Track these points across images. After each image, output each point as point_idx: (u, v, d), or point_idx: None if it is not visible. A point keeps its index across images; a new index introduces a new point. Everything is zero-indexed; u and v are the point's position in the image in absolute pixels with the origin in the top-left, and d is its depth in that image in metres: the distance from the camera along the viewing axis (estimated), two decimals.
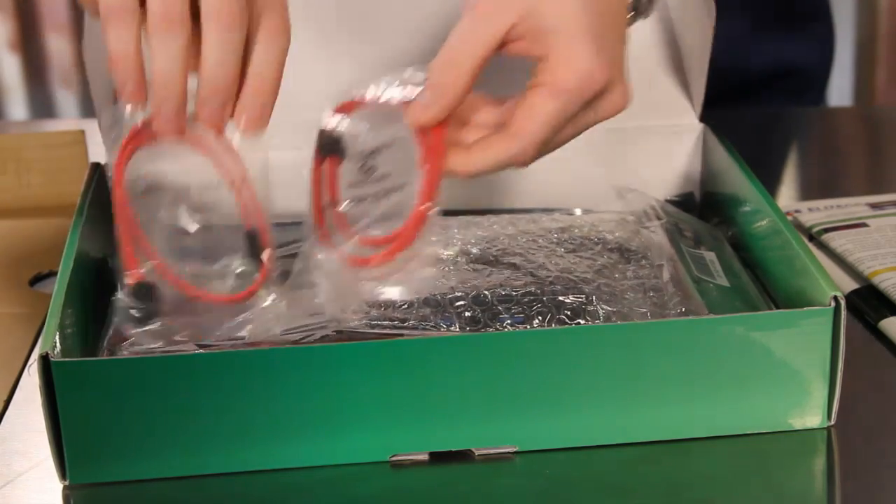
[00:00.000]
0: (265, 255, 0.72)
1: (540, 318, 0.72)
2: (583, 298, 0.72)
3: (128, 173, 0.71)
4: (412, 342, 0.68)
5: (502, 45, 0.70)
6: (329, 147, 0.73)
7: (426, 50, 0.88)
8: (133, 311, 0.71)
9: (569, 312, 0.72)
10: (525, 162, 0.70)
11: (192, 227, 0.71)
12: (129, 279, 0.71)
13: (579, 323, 0.72)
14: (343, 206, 0.73)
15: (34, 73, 2.31)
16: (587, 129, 0.71)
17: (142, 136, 0.70)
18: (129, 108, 0.69)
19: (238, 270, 0.72)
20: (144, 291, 0.71)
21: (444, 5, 0.87)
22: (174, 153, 0.70)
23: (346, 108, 0.72)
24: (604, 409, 0.69)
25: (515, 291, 0.73)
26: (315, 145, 0.73)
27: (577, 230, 0.79)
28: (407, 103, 0.70)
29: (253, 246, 0.72)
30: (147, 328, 0.70)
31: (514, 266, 0.75)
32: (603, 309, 0.72)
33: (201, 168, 0.71)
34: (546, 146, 0.70)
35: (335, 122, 0.72)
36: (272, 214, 0.89)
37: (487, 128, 0.72)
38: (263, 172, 0.72)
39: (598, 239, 0.78)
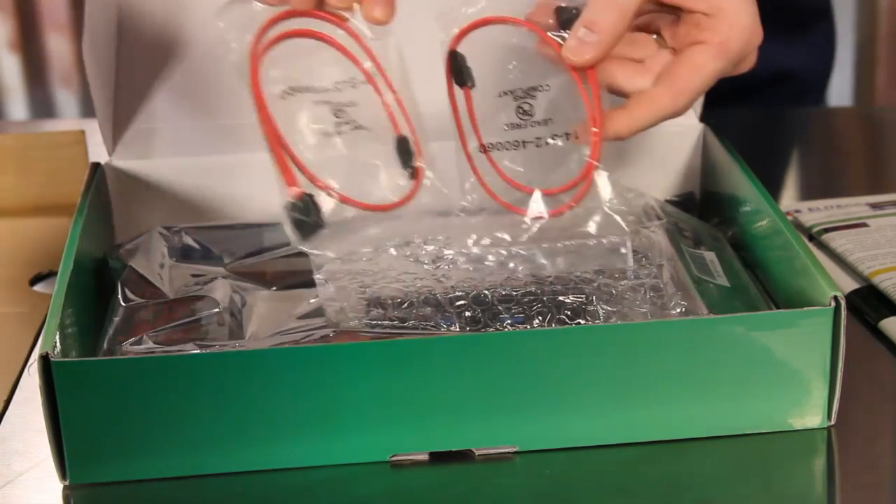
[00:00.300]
0: (418, 160, 0.69)
1: (540, 318, 0.72)
2: (583, 298, 0.72)
3: (262, 77, 0.68)
4: (412, 342, 0.68)
5: None
6: (461, 76, 0.71)
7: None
8: (300, 223, 0.69)
9: (569, 312, 0.72)
10: (679, 115, 0.71)
11: (338, 130, 0.69)
12: (290, 194, 0.69)
13: (579, 323, 0.72)
14: (496, 145, 0.72)
15: (34, 73, 2.31)
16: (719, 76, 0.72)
17: (271, 35, 0.67)
18: (258, 5, 0.67)
19: (389, 176, 0.70)
20: (306, 204, 0.69)
21: None
22: (308, 52, 0.67)
23: (473, 27, 0.70)
24: (604, 409, 0.69)
25: (515, 291, 0.73)
26: (446, 66, 0.71)
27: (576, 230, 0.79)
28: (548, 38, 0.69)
29: (404, 151, 0.70)
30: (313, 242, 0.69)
31: (514, 266, 0.75)
32: (603, 309, 0.72)
33: (338, 66, 0.68)
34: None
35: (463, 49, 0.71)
36: (272, 215, 0.89)
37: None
38: (400, 65, 0.70)
39: (599, 239, 0.78)
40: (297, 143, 0.69)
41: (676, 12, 0.72)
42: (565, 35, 0.70)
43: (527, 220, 0.73)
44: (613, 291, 0.74)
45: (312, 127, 0.69)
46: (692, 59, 0.70)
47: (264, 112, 0.68)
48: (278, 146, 0.68)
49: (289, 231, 0.70)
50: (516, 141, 0.73)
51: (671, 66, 0.71)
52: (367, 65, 0.68)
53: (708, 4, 0.70)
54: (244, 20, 0.68)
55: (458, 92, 0.73)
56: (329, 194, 0.69)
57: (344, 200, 0.70)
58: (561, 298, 0.72)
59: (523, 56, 0.71)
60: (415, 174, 0.70)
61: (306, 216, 0.69)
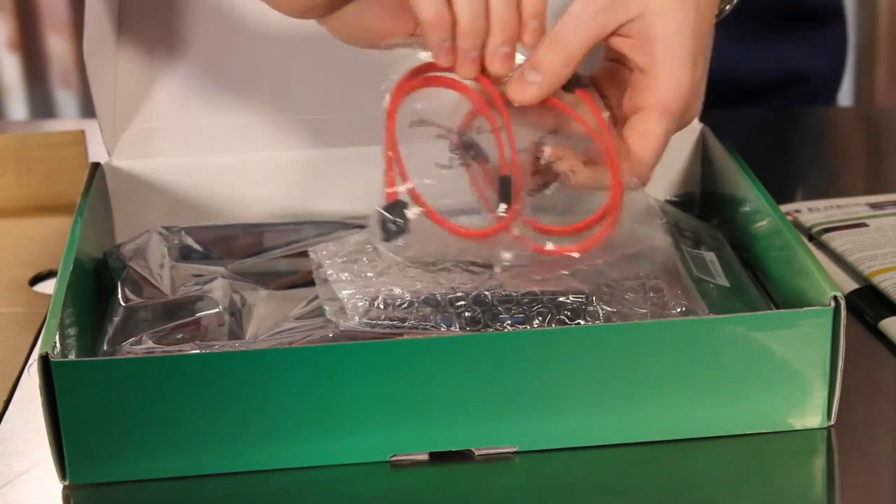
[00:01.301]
0: (516, 201, 0.73)
1: (540, 318, 0.72)
2: (583, 299, 0.72)
3: (400, 108, 0.73)
4: (412, 342, 0.68)
5: (610, 35, 0.72)
6: (472, 151, 0.74)
7: None
8: (388, 224, 0.73)
9: (569, 313, 0.72)
10: (646, 180, 0.74)
11: (449, 163, 0.74)
12: (387, 196, 0.73)
13: (579, 323, 0.72)
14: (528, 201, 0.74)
15: (34, 73, 2.31)
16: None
17: (418, 79, 0.73)
18: (424, 55, 0.72)
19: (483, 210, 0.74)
20: (398, 209, 0.73)
21: None
22: (442, 95, 0.73)
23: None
24: (604, 409, 0.69)
25: (515, 292, 0.73)
26: (455, 149, 0.74)
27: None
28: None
29: (505, 190, 0.73)
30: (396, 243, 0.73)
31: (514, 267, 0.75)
32: (603, 309, 0.72)
33: (462, 111, 0.74)
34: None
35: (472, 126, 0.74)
36: (272, 215, 0.90)
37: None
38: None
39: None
40: (411, 162, 0.74)
41: (620, 65, 0.75)
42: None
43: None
44: (614, 291, 0.74)
45: (427, 153, 0.74)
46: (637, 129, 0.73)
47: (391, 122, 0.73)
48: (391, 150, 0.73)
49: (376, 228, 0.74)
50: (534, 189, 0.75)
51: (625, 136, 0.73)
52: (498, 122, 0.73)
53: (649, 61, 0.72)
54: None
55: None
56: (420, 204, 0.74)
57: (432, 217, 0.74)
58: (561, 299, 0.72)
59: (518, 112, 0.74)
60: (508, 210, 0.73)
61: (395, 217, 0.73)
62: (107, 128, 0.88)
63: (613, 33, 0.72)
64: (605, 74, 0.76)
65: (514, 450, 0.69)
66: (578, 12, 0.71)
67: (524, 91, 0.72)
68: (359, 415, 0.68)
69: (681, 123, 0.74)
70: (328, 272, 0.75)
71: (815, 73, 1.19)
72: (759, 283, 0.80)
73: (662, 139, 0.73)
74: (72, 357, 0.69)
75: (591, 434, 0.69)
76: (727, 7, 0.81)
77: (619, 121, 0.75)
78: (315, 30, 0.74)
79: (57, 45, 2.29)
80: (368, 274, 0.75)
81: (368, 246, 0.78)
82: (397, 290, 0.73)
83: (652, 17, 0.71)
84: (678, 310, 0.73)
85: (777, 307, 0.77)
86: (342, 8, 0.72)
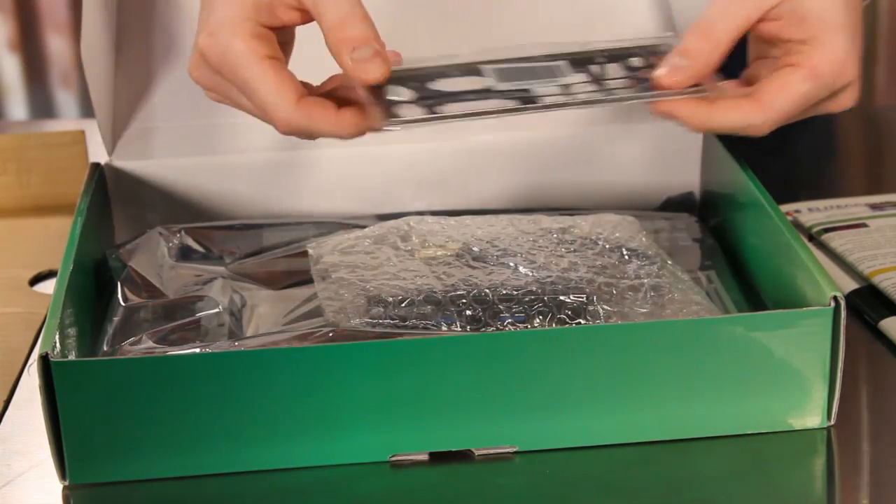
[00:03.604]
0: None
1: (541, 317, 0.72)
2: (583, 298, 0.72)
3: None
4: (412, 342, 0.68)
5: (758, 21, 0.72)
6: None
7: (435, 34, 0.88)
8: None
9: (569, 312, 0.72)
10: (761, 132, 0.73)
11: None
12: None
13: (580, 323, 0.72)
14: None
15: (34, 73, 2.31)
16: (817, 114, 0.74)
17: None
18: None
19: None
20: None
21: None
22: None
23: None
24: (603, 409, 0.69)
25: (516, 291, 0.73)
26: None
27: (577, 230, 0.79)
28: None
29: None
30: None
31: (514, 266, 0.75)
32: (603, 309, 0.72)
33: None
34: (783, 123, 0.73)
35: None
36: (272, 215, 0.90)
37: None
38: None
39: (599, 239, 0.78)
40: None
41: (775, 45, 0.74)
42: None
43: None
44: (614, 291, 0.74)
45: None
46: (781, 77, 0.72)
47: None
48: None
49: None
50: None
51: (761, 83, 0.73)
52: None
53: (804, 33, 0.72)
54: None
55: None
56: None
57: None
58: (562, 298, 0.72)
59: None
60: None
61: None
62: (106, 128, 0.88)
63: (762, 19, 0.72)
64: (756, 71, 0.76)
65: (514, 450, 0.69)
66: (726, 2, 0.72)
67: (674, 76, 0.71)
68: (359, 415, 0.68)
69: (835, 102, 0.73)
70: (327, 267, 0.75)
71: None
72: (759, 282, 0.80)
73: (801, 97, 0.72)
74: (72, 357, 0.69)
75: (591, 434, 0.69)
76: None
77: None
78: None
79: (57, 45, 2.29)
80: (368, 267, 0.75)
81: (367, 240, 0.78)
82: (397, 288, 0.73)
83: None
84: (678, 310, 0.73)
85: (777, 307, 0.77)
86: None
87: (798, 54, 0.72)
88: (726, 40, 0.72)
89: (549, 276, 0.74)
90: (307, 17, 0.71)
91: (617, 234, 0.79)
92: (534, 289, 0.73)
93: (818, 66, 0.72)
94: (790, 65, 0.72)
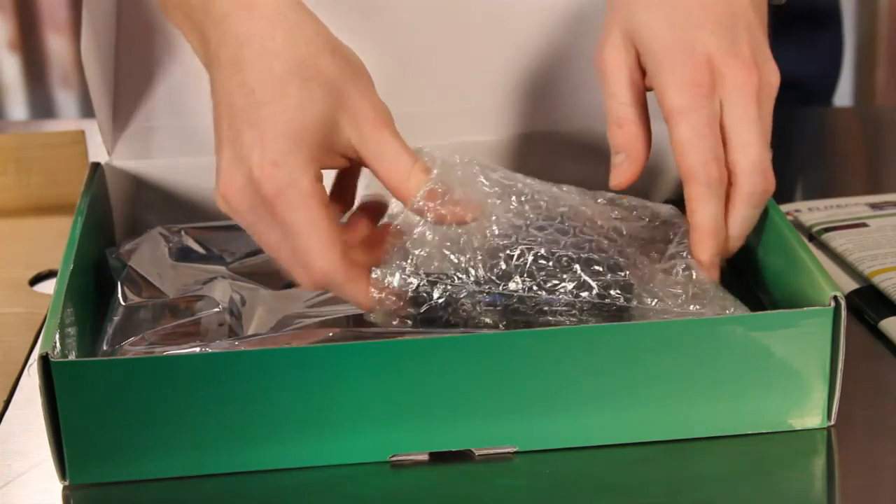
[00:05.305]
0: None
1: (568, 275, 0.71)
2: (621, 274, 0.71)
3: None
4: (412, 342, 0.68)
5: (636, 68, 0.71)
6: None
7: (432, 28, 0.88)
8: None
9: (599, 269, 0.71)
10: (720, 192, 0.70)
11: None
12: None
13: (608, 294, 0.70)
14: None
15: (34, 73, 2.31)
16: (749, 116, 0.70)
17: None
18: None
19: None
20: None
21: None
22: None
23: None
24: (603, 409, 0.69)
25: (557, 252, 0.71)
26: None
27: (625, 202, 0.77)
28: None
29: None
30: None
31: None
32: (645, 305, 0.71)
33: None
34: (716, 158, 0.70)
35: None
36: None
37: None
38: None
39: (645, 215, 0.76)
40: None
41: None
42: None
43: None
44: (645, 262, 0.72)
45: None
46: (673, 145, 0.70)
47: None
48: None
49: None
50: None
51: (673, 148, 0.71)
52: None
53: (655, 65, 0.70)
54: None
55: None
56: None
57: None
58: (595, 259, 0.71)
59: None
60: None
61: None
62: (106, 128, 0.88)
63: (646, 75, 0.71)
64: None
65: (514, 450, 0.69)
66: (609, 83, 0.71)
67: (621, 176, 0.71)
68: (359, 415, 0.68)
69: (726, 97, 0.69)
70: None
71: (809, 78, 1.19)
72: (759, 282, 0.80)
73: (692, 141, 0.69)
74: (72, 357, 0.69)
75: (591, 434, 0.69)
76: None
77: None
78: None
79: (57, 45, 2.29)
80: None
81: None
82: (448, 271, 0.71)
83: (636, 40, 0.70)
84: (728, 310, 0.71)
85: (777, 307, 0.77)
86: None
87: (661, 108, 0.70)
88: (638, 115, 0.70)
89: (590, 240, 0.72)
90: (353, 165, 0.70)
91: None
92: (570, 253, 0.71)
93: (671, 102, 0.69)
94: (664, 107, 0.70)
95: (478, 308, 0.70)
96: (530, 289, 0.70)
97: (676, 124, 0.69)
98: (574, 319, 0.70)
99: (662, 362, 0.68)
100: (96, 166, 0.88)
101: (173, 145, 0.90)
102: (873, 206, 0.94)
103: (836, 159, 1.13)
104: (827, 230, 0.90)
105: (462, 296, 0.70)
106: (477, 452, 0.69)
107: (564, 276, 0.70)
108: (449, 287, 0.70)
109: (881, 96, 2.24)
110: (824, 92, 1.22)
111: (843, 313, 0.68)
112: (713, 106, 0.69)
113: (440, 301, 0.70)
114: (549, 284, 0.70)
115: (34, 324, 0.83)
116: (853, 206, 0.94)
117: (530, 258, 0.71)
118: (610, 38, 0.71)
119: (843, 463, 0.70)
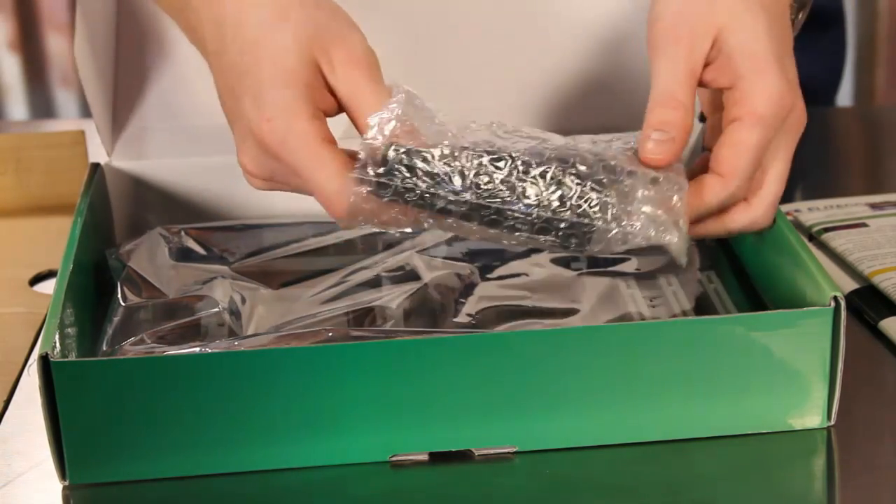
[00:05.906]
0: None
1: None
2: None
3: None
4: (412, 342, 0.68)
5: (702, 74, 0.71)
6: None
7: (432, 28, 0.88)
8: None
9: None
10: (739, 196, 0.71)
11: None
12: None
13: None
14: None
15: (34, 73, 2.31)
16: (790, 154, 0.72)
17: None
18: None
19: None
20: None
21: None
22: None
23: None
24: (603, 409, 0.69)
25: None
26: None
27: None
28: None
29: None
30: None
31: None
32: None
33: None
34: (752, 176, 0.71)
35: None
36: (272, 215, 0.89)
37: None
38: None
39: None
40: None
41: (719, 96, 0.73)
42: None
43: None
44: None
45: None
46: (730, 138, 0.70)
47: None
48: None
49: None
50: None
51: (715, 150, 0.71)
52: None
53: (735, 74, 0.70)
54: None
55: None
56: None
57: None
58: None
59: None
60: None
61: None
62: (104, 128, 0.88)
63: (705, 67, 0.71)
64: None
65: (514, 450, 0.69)
66: (671, 58, 0.70)
67: (664, 151, 0.69)
68: (359, 415, 0.68)
69: (786, 129, 0.71)
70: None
71: (812, 79, 1.19)
72: (759, 282, 0.80)
73: (757, 147, 0.70)
74: (72, 357, 0.69)
75: (591, 434, 0.69)
76: (801, 15, 0.80)
77: None
78: None
79: (57, 45, 2.29)
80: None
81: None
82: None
83: (725, 35, 0.70)
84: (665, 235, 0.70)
85: (777, 307, 0.77)
86: None
87: (734, 105, 0.70)
88: (689, 101, 0.70)
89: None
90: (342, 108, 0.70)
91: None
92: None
93: (757, 109, 0.69)
94: (731, 120, 0.70)
95: (450, 195, 0.68)
96: (510, 174, 0.68)
97: (752, 127, 0.70)
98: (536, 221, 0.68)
99: (662, 362, 0.68)
100: (96, 167, 0.88)
101: (173, 146, 0.90)
102: (873, 206, 0.94)
103: (836, 159, 1.13)
104: (827, 230, 0.90)
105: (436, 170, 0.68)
106: (477, 452, 0.69)
107: (546, 173, 0.69)
108: (430, 160, 0.68)
109: (881, 96, 2.24)
110: (827, 93, 1.22)
111: (843, 313, 0.68)
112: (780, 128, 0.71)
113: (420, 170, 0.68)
114: (530, 175, 0.68)
115: (34, 324, 0.83)
116: (853, 206, 0.94)
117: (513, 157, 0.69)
118: (690, 21, 0.71)
119: (843, 463, 0.70)
